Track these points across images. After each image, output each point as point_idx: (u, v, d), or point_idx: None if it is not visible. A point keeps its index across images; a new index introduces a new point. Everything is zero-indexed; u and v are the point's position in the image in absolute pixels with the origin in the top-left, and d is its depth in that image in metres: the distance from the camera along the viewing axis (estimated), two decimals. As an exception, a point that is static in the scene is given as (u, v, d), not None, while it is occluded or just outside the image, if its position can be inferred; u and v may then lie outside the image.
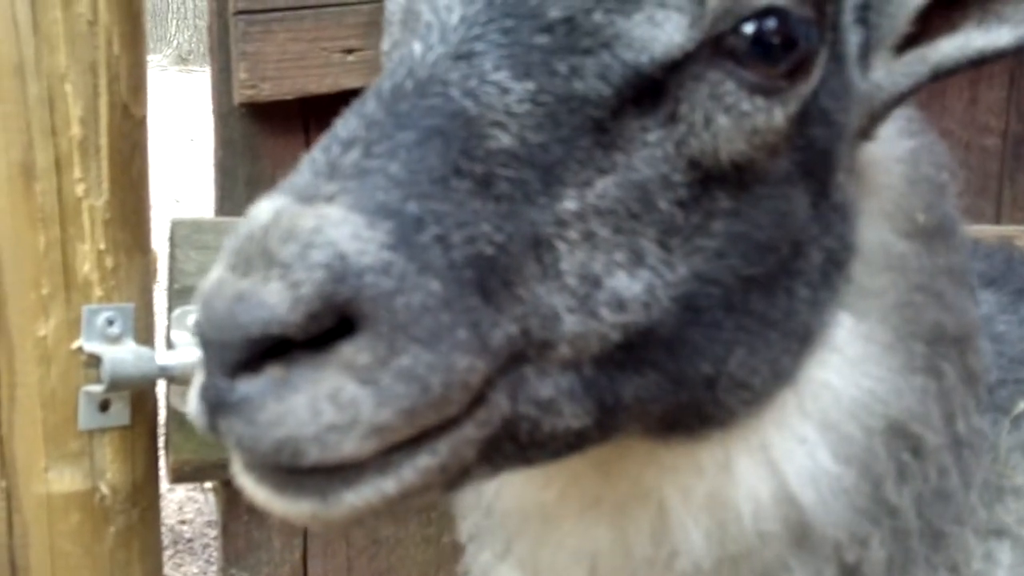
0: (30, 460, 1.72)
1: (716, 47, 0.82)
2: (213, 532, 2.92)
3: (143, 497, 1.84)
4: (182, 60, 18.08)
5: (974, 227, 2.02)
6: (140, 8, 1.76)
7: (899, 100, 0.97)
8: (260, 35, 1.80)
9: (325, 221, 0.67)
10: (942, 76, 0.96)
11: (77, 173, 1.67)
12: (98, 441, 1.76)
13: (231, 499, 2.04)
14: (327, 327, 0.66)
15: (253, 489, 0.72)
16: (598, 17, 0.80)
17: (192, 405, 0.71)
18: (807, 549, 0.95)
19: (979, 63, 0.95)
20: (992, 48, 0.93)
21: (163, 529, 1.99)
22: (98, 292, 1.71)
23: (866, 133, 0.98)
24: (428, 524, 2.15)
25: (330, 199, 0.69)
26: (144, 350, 1.74)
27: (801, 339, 0.93)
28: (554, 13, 0.79)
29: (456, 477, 0.74)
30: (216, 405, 0.68)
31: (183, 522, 2.96)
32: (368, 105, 0.77)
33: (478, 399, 0.72)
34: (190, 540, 2.91)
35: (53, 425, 1.71)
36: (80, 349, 1.71)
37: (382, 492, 0.70)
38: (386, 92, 0.77)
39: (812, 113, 0.88)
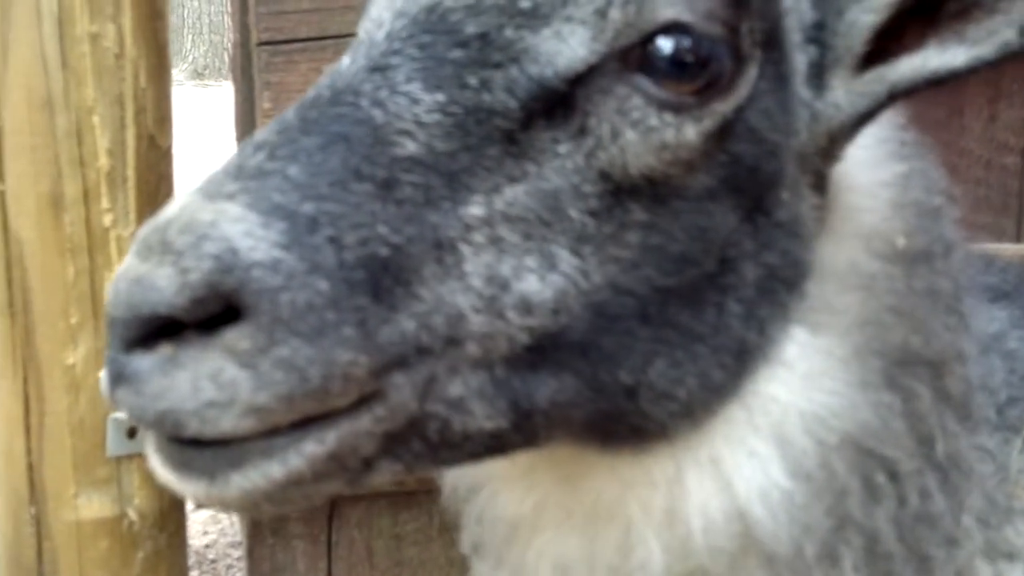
0: (60, 487, 1.74)
1: (624, 61, 0.84)
2: (236, 553, 2.94)
3: (170, 522, 1.86)
4: (198, 75, 18.24)
5: (994, 246, 2.02)
6: (165, 41, 1.78)
7: (862, 121, 0.97)
8: (283, 65, 1.83)
9: (222, 216, 0.72)
10: (899, 96, 0.96)
11: (105, 203, 1.70)
12: (126, 467, 1.78)
13: (256, 522, 2.06)
14: (213, 312, 0.71)
15: (158, 469, 0.77)
16: (509, 33, 0.83)
17: (102, 378, 0.77)
18: (771, 568, 0.95)
19: (935, 84, 0.94)
20: (946, 68, 0.93)
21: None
22: (126, 320, 1.74)
23: (828, 153, 0.98)
24: (452, 546, 2.15)
25: (230, 197, 0.74)
26: (171, 377, 1.76)
27: (735, 353, 0.93)
28: (470, 29, 0.83)
29: (357, 469, 0.78)
30: (114, 377, 0.73)
31: (207, 546, 2.98)
32: (287, 113, 0.81)
33: (372, 394, 0.76)
34: (214, 561, 2.93)
35: (82, 452, 1.74)
36: (108, 377, 1.73)
37: (269, 476, 0.74)
38: (306, 102, 0.82)
39: (737, 130, 0.88)
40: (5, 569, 1.82)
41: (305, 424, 0.74)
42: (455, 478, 1.18)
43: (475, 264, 0.80)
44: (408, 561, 2.15)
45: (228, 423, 0.71)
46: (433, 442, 0.81)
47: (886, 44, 0.95)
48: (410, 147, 0.79)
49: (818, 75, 0.95)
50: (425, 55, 0.82)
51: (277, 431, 0.73)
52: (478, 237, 0.80)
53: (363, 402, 0.76)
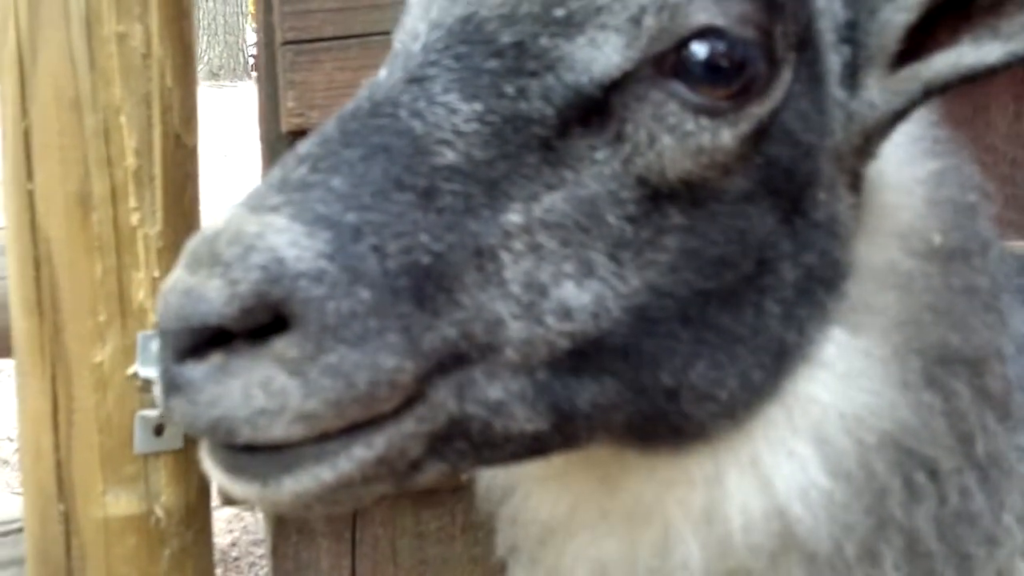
0: (88, 484, 1.75)
1: (658, 67, 0.85)
2: (259, 551, 2.95)
3: (196, 519, 1.87)
4: (213, 75, 18.34)
5: (1021, 243, 2.00)
6: (191, 40, 1.79)
7: (897, 119, 0.97)
8: (308, 64, 1.83)
9: (268, 228, 0.74)
10: (935, 93, 0.96)
11: (132, 202, 1.71)
12: (153, 465, 1.79)
13: (280, 520, 2.07)
14: (262, 322, 0.73)
15: (211, 471, 0.80)
16: (544, 41, 0.84)
17: (156, 388, 0.78)
18: (811, 567, 0.95)
19: (970, 80, 0.94)
20: (983, 64, 0.93)
21: (213, 549, 2.01)
22: (152, 318, 1.74)
23: (864, 151, 0.98)
24: (475, 544, 2.16)
25: (275, 209, 0.76)
26: (197, 375, 1.76)
27: (775, 354, 0.94)
28: (505, 38, 0.84)
29: (405, 471, 0.80)
30: (168, 387, 0.75)
31: (232, 543, 2.99)
32: (328, 125, 0.83)
33: (416, 397, 0.77)
34: (236, 559, 2.94)
35: (109, 449, 1.75)
36: (135, 374, 1.74)
37: (320, 479, 0.76)
38: (346, 113, 0.83)
39: (772, 133, 0.89)
40: (33, 566, 1.84)
41: (353, 430, 0.75)
42: (489, 480, 1.18)
43: (514, 271, 0.81)
44: (431, 559, 2.15)
45: (279, 430, 0.73)
46: (476, 442, 0.82)
47: (919, 41, 0.95)
48: (449, 156, 0.80)
49: (852, 75, 0.95)
50: (461, 65, 0.83)
51: (327, 436, 0.75)
52: (517, 244, 0.81)
53: (406, 406, 0.77)
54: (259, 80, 1.99)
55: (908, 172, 1.04)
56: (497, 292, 0.80)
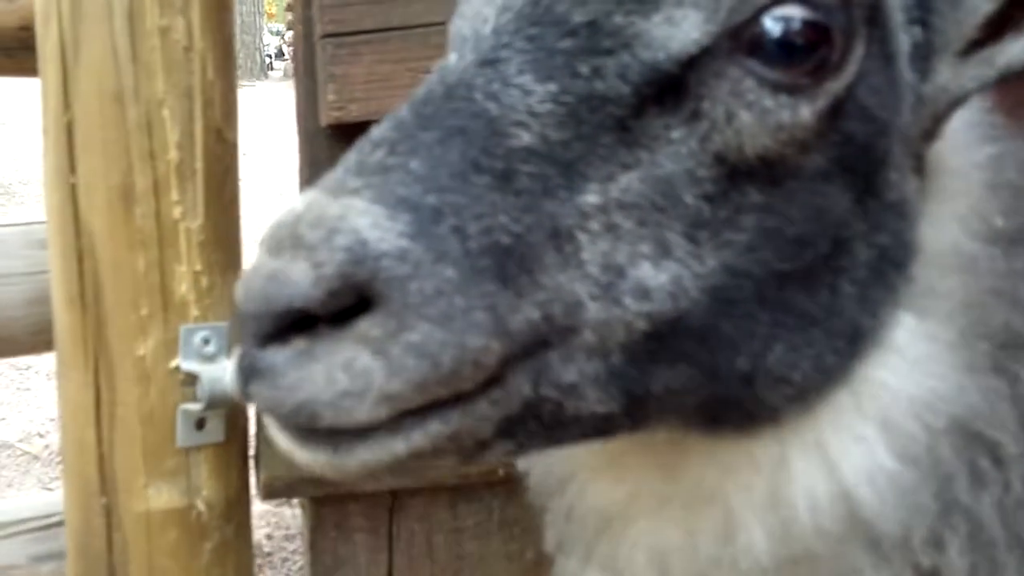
0: (130, 478, 1.75)
1: (736, 41, 0.83)
2: (291, 546, 2.95)
3: (236, 513, 1.87)
4: (231, 76, 18.35)
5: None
6: (231, 34, 1.79)
7: (963, 100, 0.96)
8: (348, 57, 1.83)
9: (349, 210, 0.73)
10: (1011, 78, 0.94)
11: (174, 196, 1.71)
12: (194, 458, 1.79)
13: (318, 515, 2.06)
14: (347, 304, 0.72)
15: (278, 438, 0.78)
16: (619, 19, 0.83)
17: (230, 373, 0.77)
18: (877, 552, 0.94)
19: None
20: None
21: (250, 544, 2.01)
22: (194, 312, 1.75)
23: (931, 134, 0.98)
24: (512, 540, 2.15)
25: (355, 192, 0.75)
26: (239, 369, 1.76)
27: (849, 337, 0.92)
28: (578, 18, 0.83)
29: (472, 448, 0.79)
30: (248, 372, 0.74)
31: (268, 537, 2.99)
32: (401, 110, 0.82)
33: (495, 379, 0.76)
34: (269, 554, 2.94)
35: (152, 443, 1.75)
36: (177, 368, 1.74)
37: (392, 451, 0.75)
38: (418, 98, 0.83)
39: (849, 109, 0.87)
40: (74, 559, 1.84)
41: (431, 407, 0.75)
42: (543, 473, 1.18)
43: (592, 252, 0.80)
44: (468, 555, 2.14)
45: (363, 412, 0.72)
46: (546, 423, 0.81)
47: (992, 26, 0.94)
48: (525, 138, 0.79)
49: (923, 57, 0.94)
50: (534, 47, 0.82)
51: (406, 413, 0.74)
52: (594, 225, 0.80)
53: (484, 387, 0.76)
54: (297, 74, 1.98)
55: (966, 157, 1.03)
56: (575, 273, 0.79)
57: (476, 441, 0.78)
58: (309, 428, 0.75)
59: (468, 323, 0.73)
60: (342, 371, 0.71)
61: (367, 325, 0.72)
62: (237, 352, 0.76)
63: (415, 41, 1.86)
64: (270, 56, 30.29)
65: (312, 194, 0.76)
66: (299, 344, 0.73)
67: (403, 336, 0.71)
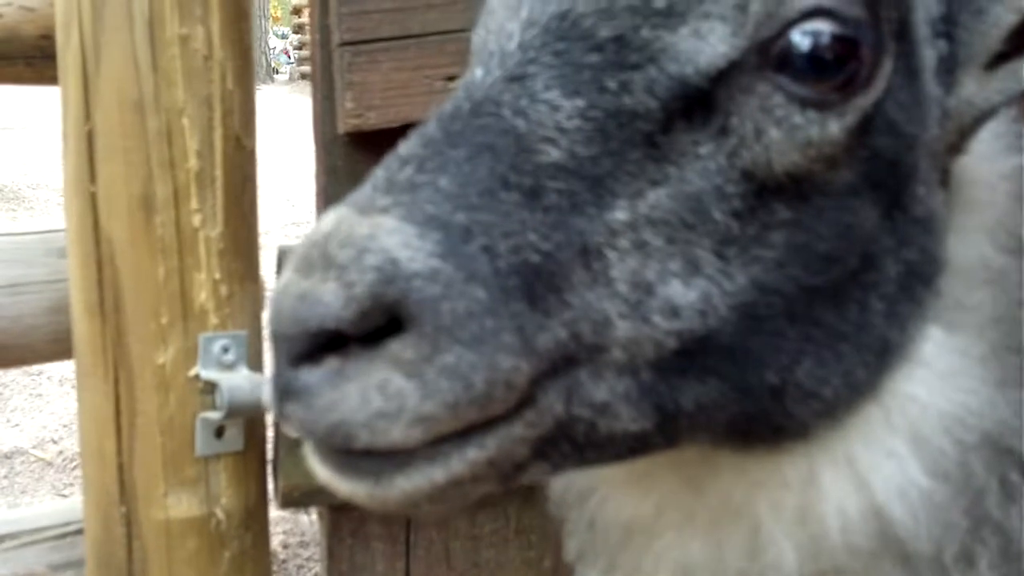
0: (149, 486, 1.75)
1: (764, 55, 0.83)
2: (307, 552, 2.95)
3: (255, 522, 1.87)
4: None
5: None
6: (250, 43, 1.79)
7: (991, 113, 0.96)
8: (366, 65, 1.82)
9: (379, 229, 0.73)
10: None
11: (194, 204, 1.71)
12: (213, 467, 1.79)
13: (335, 522, 2.06)
14: (378, 324, 0.71)
15: (319, 470, 0.78)
16: (646, 33, 0.82)
17: (265, 393, 0.78)
18: (908, 568, 0.94)
19: None
20: None
21: (268, 552, 2.01)
22: (214, 320, 1.75)
23: (957, 148, 0.97)
24: (529, 548, 2.15)
25: (385, 210, 0.74)
26: (258, 376, 1.76)
27: (878, 352, 0.92)
28: (604, 32, 0.82)
29: (510, 472, 0.78)
30: (282, 392, 0.74)
31: (285, 546, 2.99)
32: (428, 126, 0.82)
33: (527, 400, 0.76)
34: (284, 561, 2.94)
35: (171, 452, 1.75)
36: (197, 376, 1.74)
37: (431, 479, 0.75)
38: (445, 114, 0.82)
39: (877, 125, 0.87)
40: (94, 568, 1.84)
41: (467, 432, 0.74)
42: (566, 482, 1.17)
43: (621, 269, 0.79)
44: (485, 563, 2.14)
45: (397, 433, 0.71)
46: (580, 443, 0.81)
47: (1018, 38, 0.94)
48: (553, 154, 0.79)
49: (948, 71, 0.94)
50: (561, 62, 0.81)
51: (441, 439, 0.74)
52: (623, 242, 0.80)
53: (518, 408, 0.76)
54: (314, 82, 1.98)
55: (991, 167, 1.03)
56: (604, 291, 0.79)
57: (513, 464, 0.78)
58: (345, 450, 0.74)
59: (498, 344, 0.72)
60: (376, 391, 0.71)
61: (399, 346, 0.71)
62: (271, 372, 0.76)
63: (432, 49, 1.85)
64: (272, 62, 30.33)
65: (341, 211, 0.76)
66: (332, 364, 0.72)
67: (436, 358, 0.71)
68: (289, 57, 29.32)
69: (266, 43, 28.06)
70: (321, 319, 0.71)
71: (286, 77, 28.59)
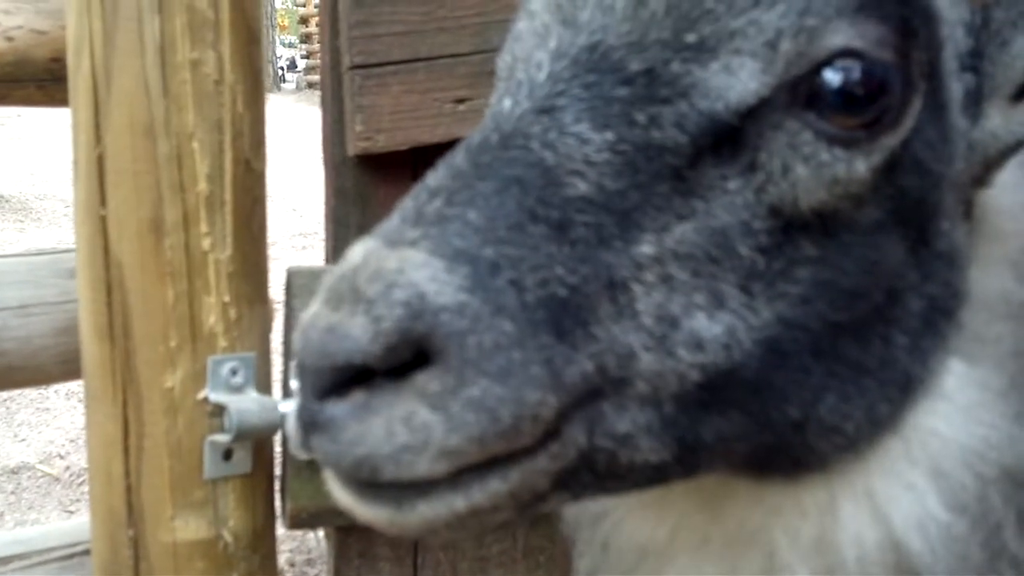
0: (157, 509, 1.75)
1: (793, 94, 0.83)
2: (313, 571, 2.95)
3: (263, 544, 1.86)
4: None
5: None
6: (260, 66, 1.80)
7: (1018, 147, 0.95)
8: (375, 88, 1.83)
9: (407, 263, 0.73)
10: None
11: (204, 228, 1.71)
12: (221, 489, 1.78)
13: (343, 543, 2.06)
14: (405, 359, 0.72)
15: (340, 495, 0.79)
16: (676, 67, 0.82)
17: (290, 426, 0.78)
18: None
19: None
20: None
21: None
22: (222, 343, 1.75)
23: (981, 181, 0.97)
24: (536, 568, 2.14)
25: (413, 243, 0.74)
26: (267, 399, 1.76)
27: (901, 386, 0.92)
28: (635, 66, 0.82)
29: (529, 502, 0.79)
30: (309, 425, 0.75)
31: (291, 564, 2.99)
32: (457, 157, 0.82)
33: (552, 432, 0.76)
34: (291, 579, 2.94)
35: (179, 474, 1.75)
36: (205, 399, 1.74)
37: (452, 507, 0.75)
38: (474, 145, 0.82)
39: (903, 163, 0.87)
40: (101, 590, 1.84)
41: (491, 463, 0.75)
42: (581, 504, 1.17)
43: (646, 303, 0.80)
44: (492, 583, 2.13)
45: (423, 467, 0.72)
46: (601, 474, 0.81)
47: None
48: (581, 187, 0.79)
49: (975, 104, 0.94)
50: (591, 95, 0.82)
51: (465, 468, 0.74)
52: (649, 276, 0.80)
53: (543, 441, 0.76)
54: (324, 103, 1.99)
55: (1014, 198, 1.03)
56: (630, 324, 0.79)
57: (534, 495, 0.78)
58: (371, 483, 0.74)
59: (526, 378, 0.72)
60: (401, 424, 0.71)
61: (425, 379, 0.71)
62: (297, 404, 0.76)
63: (442, 72, 1.86)
64: (282, 68, 30.45)
65: (369, 244, 0.76)
66: (358, 397, 0.73)
67: (462, 392, 0.71)
68: (296, 66, 29.41)
69: (273, 53, 28.16)
70: (349, 354, 0.71)
71: (293, 86, 28.69)
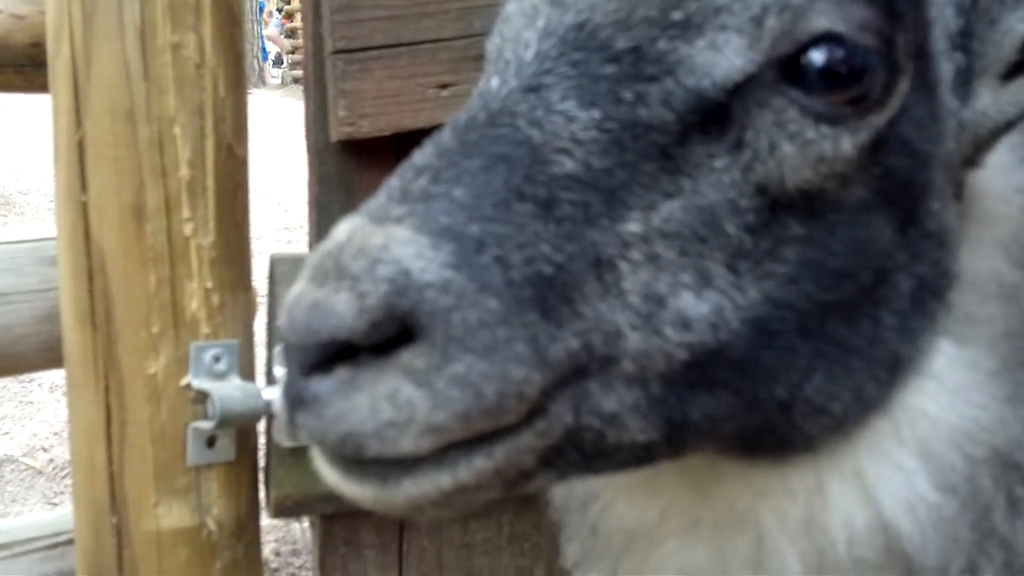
0: (140, 496, 1.74)
1: (779, 71, 0.83)
2: (299, 561, 2.94)
3: (247, 532, 1.86)
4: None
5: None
6: (242, 50, 1.79)
7: (1008, 127, 0.95)
8: (358, 73, 1.82)
9: (392, 240, 0.73)
10: None
11: (185, 213, 1.70)
12: (205, 476, 1.78)
13: (328, 531, 2.05)
14: (390, 335, 0.72)
15: (326, 472, 0.79)
16: (662, 45, 0.82)
17: (277, 402, 0.78)
18: None
19: None
20: None
21: (260, 561, 2.00)
22: (205, 329, 1.74)
23: (972, 161, 0.97)
24: (522, 555, 2.14)
25: (399, 220, 0.74)
26: (251, 386, 1.75)
27: (889, 367, 0.92)
28: (621, 43, 0.82)
29: (516, 480, 0.79)
30: (294, 401, 0.75)
31: (276, 554, 2.98)
32: (443, 135, 0.82)
33: (537, 410, 0.76)
34: (276, 570, 2.93)
35: (162, 461, 1.74)
36: (188, 386, 1.73)
37: (438, 485, 0.75)
38: (461, 124, 0.82)
39: (890, 143, 0.87)
40: (84, 578, 1.82)
41: (476, 440, 0.74)
42: (568, 487, 1.17)
43: (633, 281, 0.79)
44: (478, 570, 2.13)
45: (407, 443, 0.71)
46: (588, 453, 0.81)
47: None
48: (568, 165, 0.79)
49: (964, 84, 0.94)
50: (578, 72, 0.81)
51: (450, 446, 0.74)
52: (636, 254, 0.80)
53: (528, 419, 0.76)
54: (307, 89, 1.98)
55: (1006, 180, 1.03)
56: (616, 303, 0.79)
57: (520, 473, 0.78)
58: (356, 459, 0.74)
59: (510, 355, 0.72)
60: (385, 401, 0.71)
61: (410, 356, 0.71)
62: (283, 381, 0.76)
63: (425, 57, 1.85)
64: (275, 62, 30.30)
65: (355, 221, 0.76)
66: (343, 374, 0.72)
67: (446, 368, 0.71)
68: (282, 61, 29.30)
69: (259, 48, 28.02)
70: (333, 330, 0.71)
71: (278, 80, 28.57)
